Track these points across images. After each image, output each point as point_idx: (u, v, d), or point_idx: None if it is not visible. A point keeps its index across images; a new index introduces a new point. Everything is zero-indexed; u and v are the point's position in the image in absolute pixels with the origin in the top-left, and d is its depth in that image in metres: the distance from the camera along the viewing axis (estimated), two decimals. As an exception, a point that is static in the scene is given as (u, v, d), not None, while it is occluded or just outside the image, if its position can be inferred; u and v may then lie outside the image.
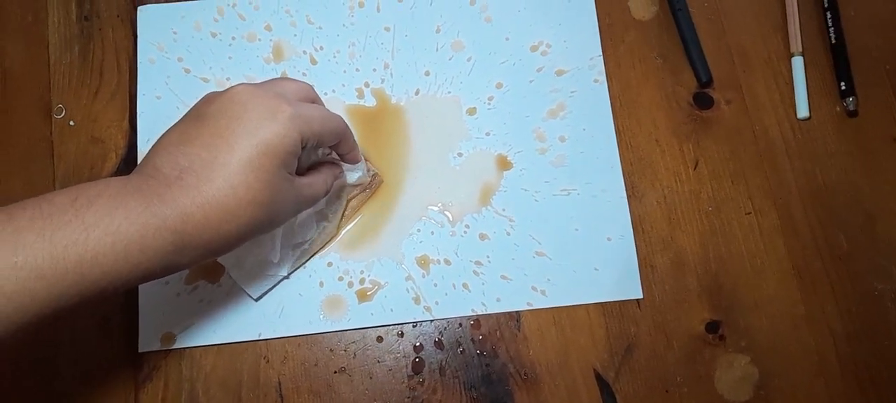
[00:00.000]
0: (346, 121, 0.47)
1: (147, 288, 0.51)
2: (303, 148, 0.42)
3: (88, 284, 0.35)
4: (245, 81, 0.49)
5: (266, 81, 0.45)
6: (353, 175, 0.50)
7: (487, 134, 0.55)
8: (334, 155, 0.49)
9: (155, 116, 0.54)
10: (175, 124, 0.42)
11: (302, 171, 0.46)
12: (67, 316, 0.40)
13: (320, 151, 0.48)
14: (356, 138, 0.54)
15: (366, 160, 0.52)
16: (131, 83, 0.55)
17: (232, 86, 0.42)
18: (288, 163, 0.41)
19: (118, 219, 0.36)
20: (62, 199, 0.36)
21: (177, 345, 0.50)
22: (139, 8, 0.56)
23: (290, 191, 0.43)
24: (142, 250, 0.36)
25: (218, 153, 0.39)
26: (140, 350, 0.50)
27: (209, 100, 0.42)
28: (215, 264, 0.51)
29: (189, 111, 0.43)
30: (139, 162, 0.52)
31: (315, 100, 0.46)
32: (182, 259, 0.39)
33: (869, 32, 0.57)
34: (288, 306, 0.51)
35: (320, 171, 0.48)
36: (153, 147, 0.41)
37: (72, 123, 0.54)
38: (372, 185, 0.53)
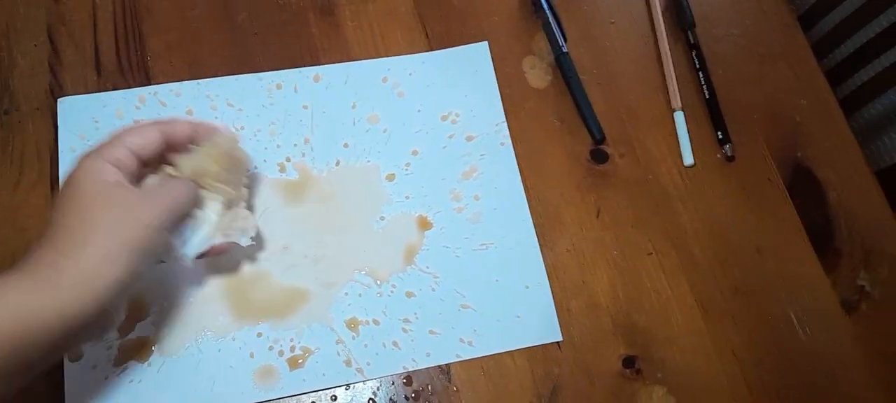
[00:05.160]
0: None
1: (73, 373, 0.50)
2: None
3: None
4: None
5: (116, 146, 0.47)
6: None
7: (407, 197, 0.58)
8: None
9: (77, 203, 0.54)
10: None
11: None
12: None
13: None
14: (281, 210, 0.56)
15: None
16: (53, 172, 0.55)
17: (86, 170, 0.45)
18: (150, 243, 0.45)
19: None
20: None
21: (105, 429, 0.49)
22: (59, 100, 0.57)
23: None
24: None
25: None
26: (65, 438, 0.49)
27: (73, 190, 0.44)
28: (144, 343, 0.51)
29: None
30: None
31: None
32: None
33: (738, 88, 0.64)
34: (219, 379, 0.51)
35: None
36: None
37: (-9, 215, 0.54)
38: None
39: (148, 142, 0.47)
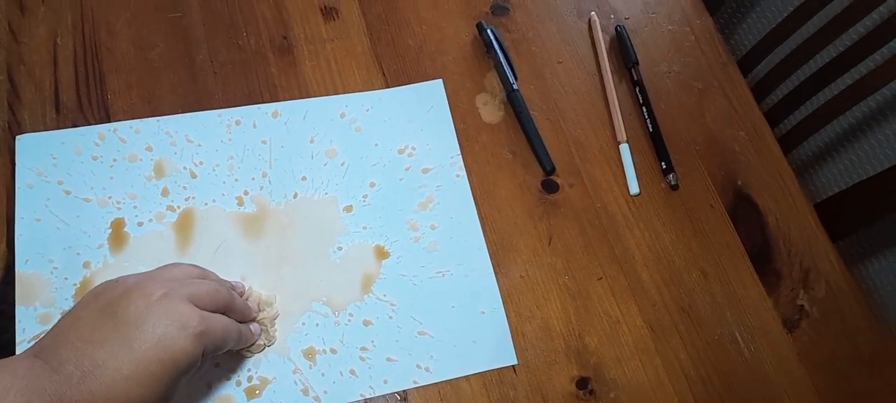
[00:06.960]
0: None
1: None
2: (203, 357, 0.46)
3: None
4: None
5: (185, 278, 0.49)
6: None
7: (364, 228, 0.59)
8: None
9: (34, 238, 0.55)
10: (86, 313, 0.45)
11: None
12: None
13: None
14: (239, 242, 0.57)
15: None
16: (9, 208, 0.55)
17: (146, 283, 0.46)
18: (187, 373, 0.45)
19: None
20: None
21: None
22: (17, 137, 0.58)
23: (183, 387, 0.47)
24: None
25: (123, 364, 0.42)
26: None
27: (124, 297, 0.45)
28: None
29: (103, 299, 0.45)
30: (18, 279, 0.53)
31: (228, 304, 0.50)
32: None
33: (679, 121, 0.68)
34: (176, 410, 0.51)
35: None
36: (61, 333, 0.44)
37: (-55, 251, 0.54)
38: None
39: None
